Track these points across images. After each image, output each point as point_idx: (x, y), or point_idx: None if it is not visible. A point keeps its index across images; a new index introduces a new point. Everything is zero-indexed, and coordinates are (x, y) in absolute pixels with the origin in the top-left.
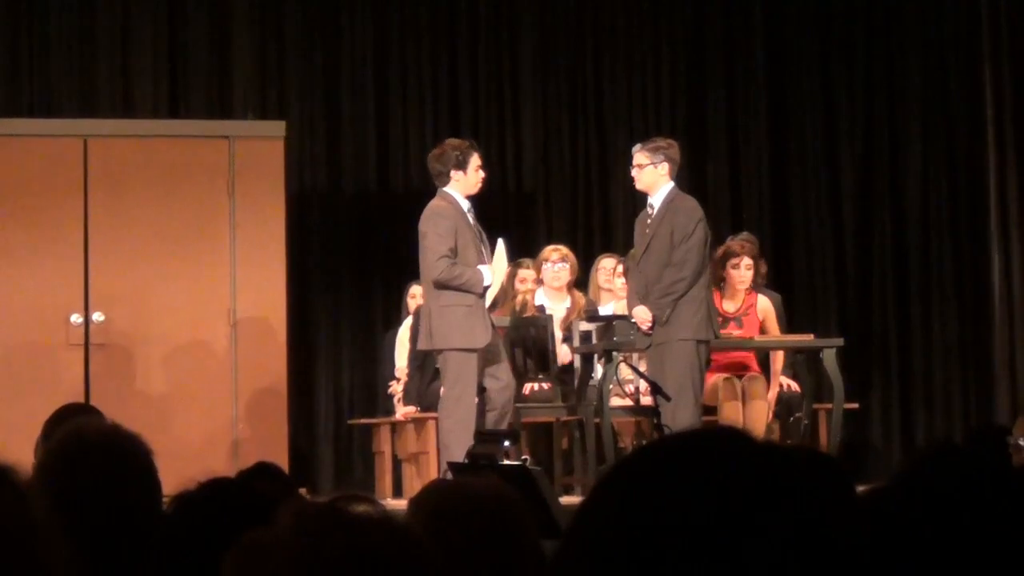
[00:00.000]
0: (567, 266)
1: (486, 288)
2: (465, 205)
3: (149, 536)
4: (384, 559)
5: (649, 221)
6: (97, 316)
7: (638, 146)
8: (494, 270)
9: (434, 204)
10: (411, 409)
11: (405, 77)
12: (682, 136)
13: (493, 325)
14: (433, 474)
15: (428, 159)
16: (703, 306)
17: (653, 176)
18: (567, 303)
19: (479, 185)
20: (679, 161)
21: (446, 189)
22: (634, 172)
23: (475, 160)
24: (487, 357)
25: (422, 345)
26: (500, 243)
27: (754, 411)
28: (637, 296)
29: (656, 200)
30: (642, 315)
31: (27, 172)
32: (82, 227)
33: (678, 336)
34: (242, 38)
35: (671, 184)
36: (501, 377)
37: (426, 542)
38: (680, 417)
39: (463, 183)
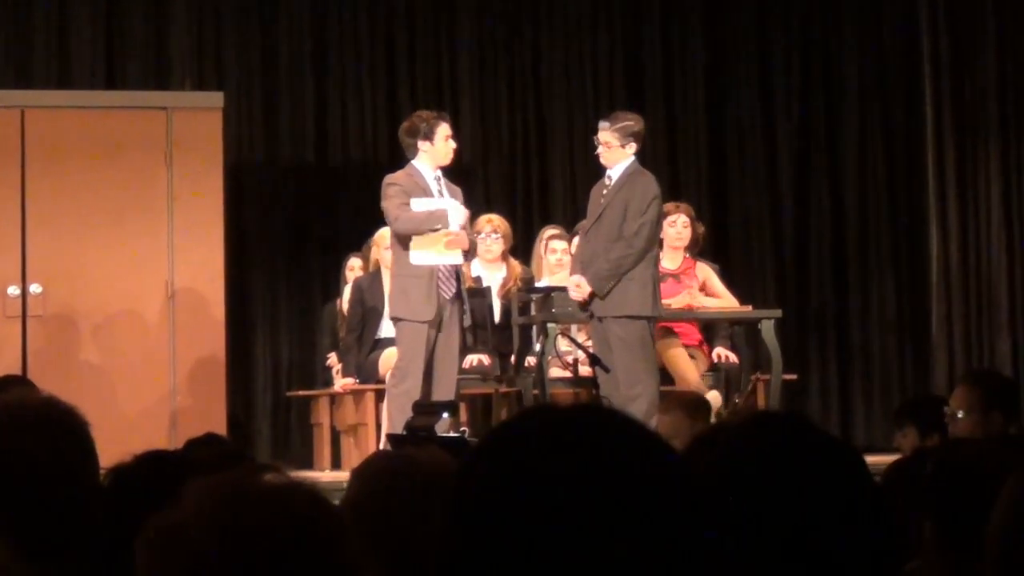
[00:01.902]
0: (499, 236)
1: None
2: (431, 175)
3: (86, 509)
4: (293, 526)
5: (605, 192)
6: (34, 288)
7: (606, 123)
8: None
9: (387, 176)
10: (349, 381)
11: (343, 49)
12: (620, 105)
13: (463, 297)
14: (372, 446)
15: (399, 132)
16: (650, 283)
17: (619, 154)
18: (503, 273)
19: (450, 155)
20: (644, 135)
21: (413, 161)
22: (600, 149)
23: (443, 130)
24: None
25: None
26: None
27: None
28: (580, 265)
29: (615, 172)
30: (581, 289)
31: None
32: (19, 198)
33: (626, 312)
34: (180, 8)
35: (632, 158)
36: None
37: (334, 507)
38: (641, 395)
39: (431, 153)
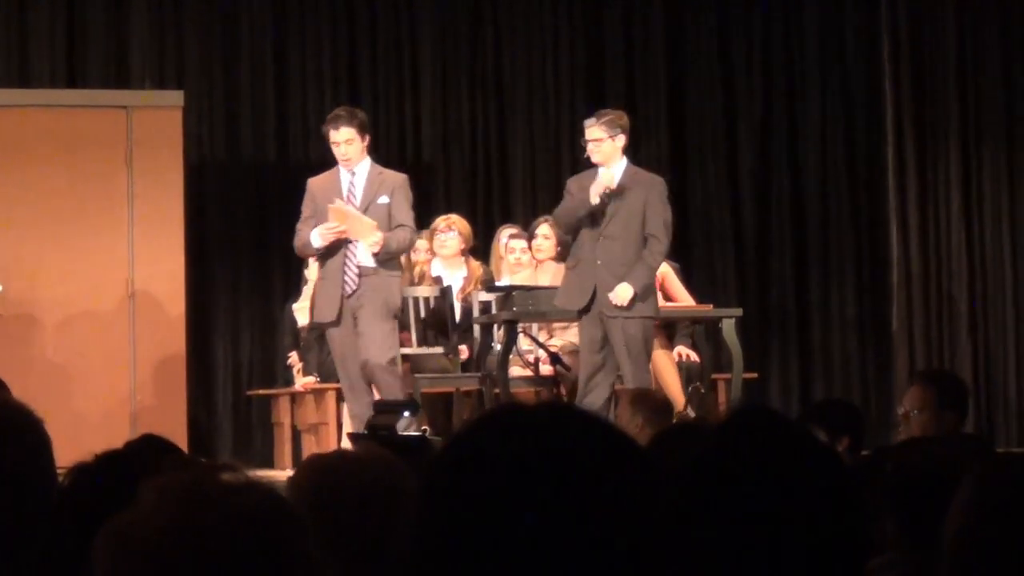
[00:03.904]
0: (455, 234)
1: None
2: (346, 177)
3: (42, 509)
4: (251, 525)
5: (607, 192)
6: None
7: (591, 120)
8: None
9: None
10: (310, 380)
11: (304, 47)
12: (581, 104)
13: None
14: (333, 445)
15: None
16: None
17: (611, 149)
18: (463, 272)
19: (340, 158)
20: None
21: None
22: (590, 146)
23: (330, 137)
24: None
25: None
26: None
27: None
28: (606, 269)
29: (616, 172)
30: (625, 294)
31: None
32: None
33: (641, 313)
34: (140, 7)
35: (624, 158)
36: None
37: (295, 507)
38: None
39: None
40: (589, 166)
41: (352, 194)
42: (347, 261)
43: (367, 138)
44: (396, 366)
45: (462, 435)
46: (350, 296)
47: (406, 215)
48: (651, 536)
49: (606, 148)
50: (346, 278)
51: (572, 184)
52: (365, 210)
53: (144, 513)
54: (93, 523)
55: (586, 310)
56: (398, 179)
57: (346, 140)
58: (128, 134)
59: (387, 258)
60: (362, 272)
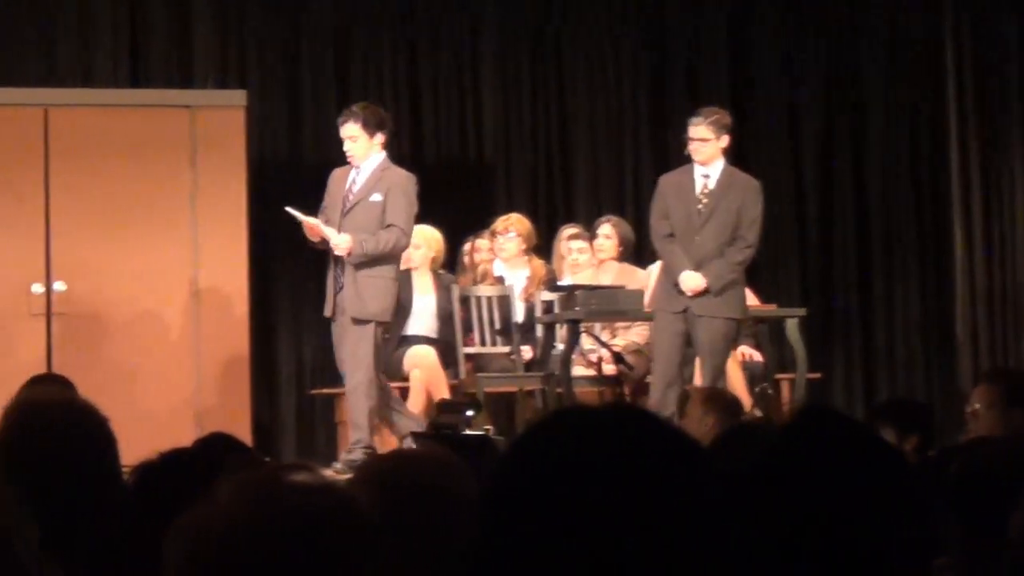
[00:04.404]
0: (513, 235)
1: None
2: (353, 173)
3: (107, 506)
4: (324, 526)
5: (704, 192)
6: (58, 286)
7: (698, 118)
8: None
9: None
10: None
11: (366, 45)
12: (644, 103)
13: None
14: (394, 444)
15: None
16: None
17: (714, 150)
18: (526, 272)
19: (346, 154)
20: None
21: None
22: (694, 145)
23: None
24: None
25: None
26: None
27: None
28: (691, 264)
29: (713, 172)
30: (693, 283)
31: None
32: (43, 197)
33: (730, 314)
34: (203, 6)
35: (723, 158)
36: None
37: (367, 508)
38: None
39: None
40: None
41: (351, 190)
42: (337, 257)
43: (377, 135)
44: (366, 385)
45: (526, 437)
46: (339, 292)
47: (397, 215)
48: (716, 537)
49: (710, 149)
50: (337, 272)
51: (665, 185)
52: (355, 206)
53: (219, 510)
54: (159, 521)
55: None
56: (399, 177)
57: (350, 137)
58: (191, 134)
59: (362, 260)
60: (347, 271)
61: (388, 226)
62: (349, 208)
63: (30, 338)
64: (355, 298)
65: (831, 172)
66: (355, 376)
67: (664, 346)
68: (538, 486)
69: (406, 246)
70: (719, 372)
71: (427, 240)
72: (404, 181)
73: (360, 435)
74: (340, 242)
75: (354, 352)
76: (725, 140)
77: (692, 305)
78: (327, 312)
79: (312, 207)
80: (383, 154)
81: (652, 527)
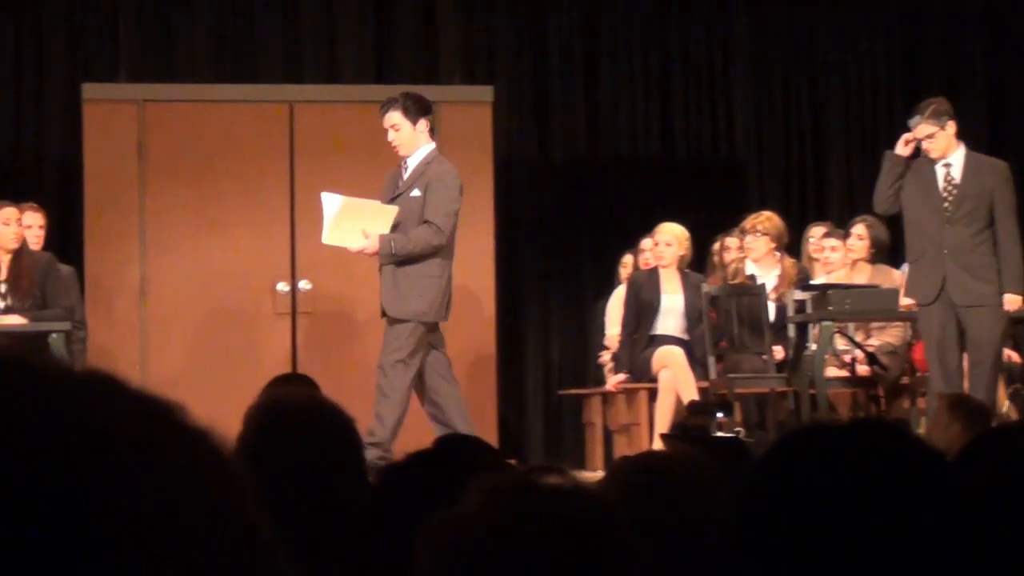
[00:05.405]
0: (760, 235)
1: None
2: (403, 166)
3: (352, 508)
4: (577, 528)
5: (947, 180)
6: (304, 284)
7: (916, 118)
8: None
9: None
10: (621, 378)
11: (614, 42)
12: (898, 98)
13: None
14: (645, 445)
15: None
16: None
17: (945, 139)
18: (777, 271)
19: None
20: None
21: None
22: (924, 144)
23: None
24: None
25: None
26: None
27: None
28: (953, 258)
29: (955, 160)
30: (1015, 303)
31: (233, 139)
32: (288, 194)
33: (996, 303)
34: (449, 2)
35: (962, 144)
36: None
37: (620, 511)
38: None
39: None
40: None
41: (397, 184)
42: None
43: (420, 121)
44: (394, 369)
45: (780, 451)
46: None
47: (434, 211)
48: (965, 551)
49: (940, 141)
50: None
51: (909, 186)
52: (392, 200)
53: (471, 515)
54: (407, 522)
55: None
56: (439, 172)
57: (392, 126)
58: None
59: (392, 260)
60: (385, 270)
61: (425, 223)
62: (391, 202)
63: (275, 337)
64: (394, 297)
65: None
66: (389, 376)
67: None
68: (789, 503)
69: (441, 243)
70: (993, 371)
71: (677, 237)
72: (444, 175)
73: (381, 435)
74: (366, 245)
75: (387, 343)
76: (951, 126)
77: (956, 298)
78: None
79: (559, 206)
80: (431, 145)
81: (898, 545)
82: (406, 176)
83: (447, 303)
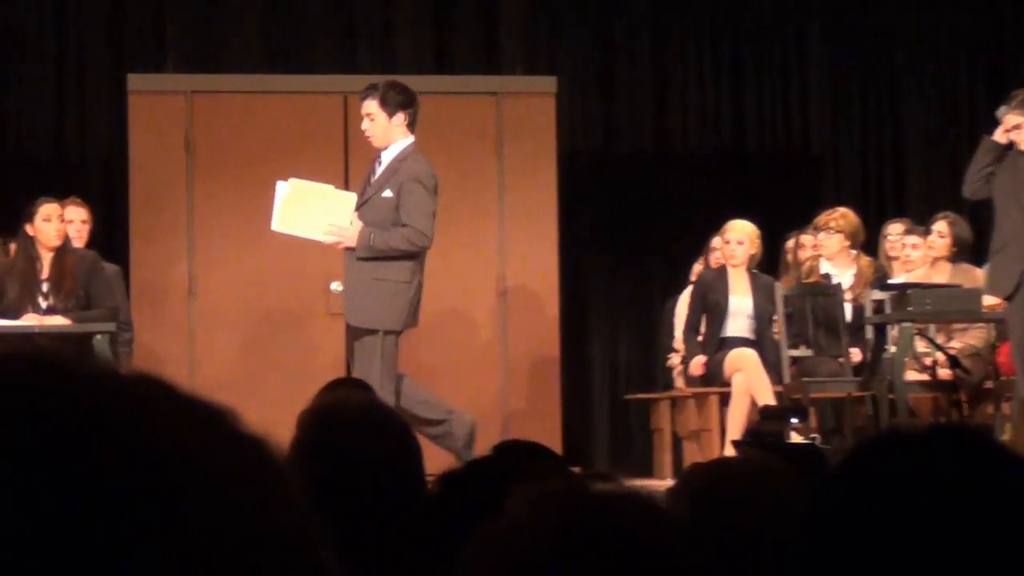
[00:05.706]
0: (833, 233)
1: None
2: (377, 159)
3: (409, 513)
4: (631, 537)
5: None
6: None
7: (1003, 108)
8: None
9: None
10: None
11: (683, 31)
12: (980, 91)
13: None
14: (716, 452)
15: None
16: None
17: None
18: (853, 270)
19: (368, 137)
20: None
21: None
22: (1013, 135)
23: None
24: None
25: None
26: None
27: None
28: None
29: None
30: None
31: (285, 132)
32: (342, 187)
33: None
34: None
35: None
36: None
37: (676, 518)
38: None
39: None
40: None
41: (369, 181)
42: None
43: (397, 115)
44: (386, 390)
45: (857, 460)
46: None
47: (409, 214)
48: None
49: None
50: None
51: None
52: (367, 201)
53: (515, 519)
54: (462, 532)
55: (1010, 297)
56: (415, 171)
57: (367, 114)
58: (498, 122)
59: (368, 255)
60: (349, 269)
61: (403, 226)
62: (362, 203)
63: (328, 338)
64: (355, 303)
65: None
66: (394, 395)
67: None
68: (866, 512)
69: (425, 247)
70: None
71: (749, 235)
72: (418, 175)
73: (459, 433)
74: (343, 238)
75: (363, 368)
76: None
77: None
78: None
79: (626, 201)
80: (408, 140)
81: (978, 559)
82: (378, 173)
83: (415, 311)
